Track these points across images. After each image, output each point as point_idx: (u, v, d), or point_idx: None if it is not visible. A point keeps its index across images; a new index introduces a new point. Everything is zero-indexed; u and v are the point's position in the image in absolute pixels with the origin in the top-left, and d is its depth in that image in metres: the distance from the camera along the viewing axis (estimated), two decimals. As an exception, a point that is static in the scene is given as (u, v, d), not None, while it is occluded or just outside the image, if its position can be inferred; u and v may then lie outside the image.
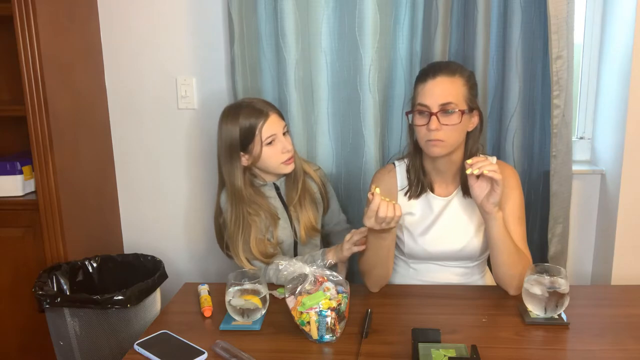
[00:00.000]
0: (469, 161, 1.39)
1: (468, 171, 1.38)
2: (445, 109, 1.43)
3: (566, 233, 1.96)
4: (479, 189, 1.42)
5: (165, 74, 2.12)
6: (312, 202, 1.77)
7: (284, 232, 1.72)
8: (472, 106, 1.49)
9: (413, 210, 1.59)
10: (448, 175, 1.57)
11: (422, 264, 1.61)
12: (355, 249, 1.54)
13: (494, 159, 1.58)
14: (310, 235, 1.75)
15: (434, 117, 1.43)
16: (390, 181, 1.61)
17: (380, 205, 1.32)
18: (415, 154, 1.58)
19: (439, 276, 1.60)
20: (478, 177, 1.41)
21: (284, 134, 1.67)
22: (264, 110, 1.64)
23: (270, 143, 1.64)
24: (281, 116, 1.70)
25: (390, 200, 1.34)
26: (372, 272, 1.52)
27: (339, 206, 1.91)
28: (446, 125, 1.44)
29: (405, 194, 1.59)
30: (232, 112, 1.66)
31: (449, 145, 1.47)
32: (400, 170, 1.62)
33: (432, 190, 1.58)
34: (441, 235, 1.56)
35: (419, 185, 1.57)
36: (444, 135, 1.44)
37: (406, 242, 1.58)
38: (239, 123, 1.63)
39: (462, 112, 1.45)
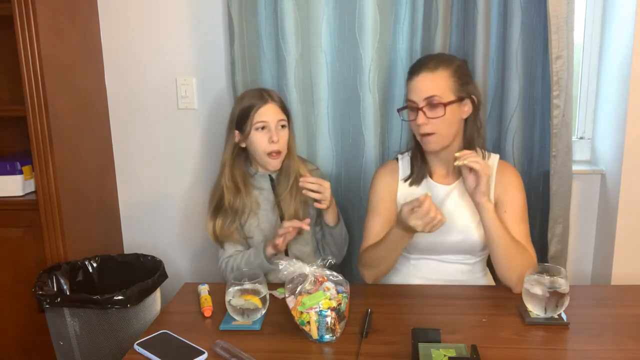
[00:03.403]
0: (457, 154, 1.45)
1: (456, 163, 1.44)
2: (430, 102, 1.48)
3: (566, 233, 1.96)
4: (470, 180, 1.47)
5: (165, 74, 2.12)
6: (304, 205, 1.74)
7: (270, 224, 1.73)
8: (462, 95, 1.51)
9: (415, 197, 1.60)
10: (450, 164, 1.59)
11: (421, 259, 1.62)
12: (280, 236, 1.57)
13: (496, 157, 1.61)
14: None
15: (420, 112, 1.49)
16: (392, 179, 1.64)
17: (431, 207, 1.36)
18: (417, 144, 1.62)
19: (439, 271, 1.60)
20: (471, 169, 1.46)
21: (282, 126, 1.69)
22: (265, 96, 1.69)
23: (260, 129, 1.67)
24: (284, 110, 1.72)
25: (437, 209, 1.38)
26: (379, 267, 1.54)
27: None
28: (433, 118, 1.48)
29: (406, 180, 1.62)
30: (242, 93, 1.78)
31: (441, 137, 1.52)
32: (403, 163, 1.65)
33: (432, 177, 1.61)
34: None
35: (420, 171, 1.61)
36: (434, 128, 1.50)
37: None
38: (242, 102, 1.71)
39: (445, 105, 1.48)
